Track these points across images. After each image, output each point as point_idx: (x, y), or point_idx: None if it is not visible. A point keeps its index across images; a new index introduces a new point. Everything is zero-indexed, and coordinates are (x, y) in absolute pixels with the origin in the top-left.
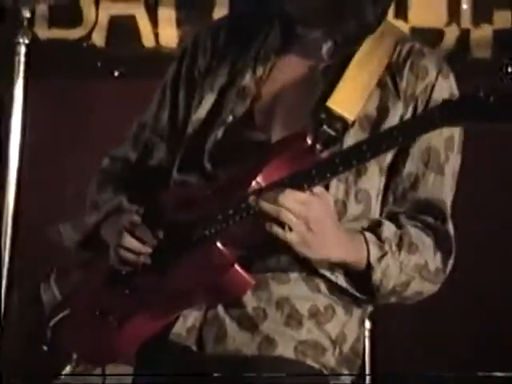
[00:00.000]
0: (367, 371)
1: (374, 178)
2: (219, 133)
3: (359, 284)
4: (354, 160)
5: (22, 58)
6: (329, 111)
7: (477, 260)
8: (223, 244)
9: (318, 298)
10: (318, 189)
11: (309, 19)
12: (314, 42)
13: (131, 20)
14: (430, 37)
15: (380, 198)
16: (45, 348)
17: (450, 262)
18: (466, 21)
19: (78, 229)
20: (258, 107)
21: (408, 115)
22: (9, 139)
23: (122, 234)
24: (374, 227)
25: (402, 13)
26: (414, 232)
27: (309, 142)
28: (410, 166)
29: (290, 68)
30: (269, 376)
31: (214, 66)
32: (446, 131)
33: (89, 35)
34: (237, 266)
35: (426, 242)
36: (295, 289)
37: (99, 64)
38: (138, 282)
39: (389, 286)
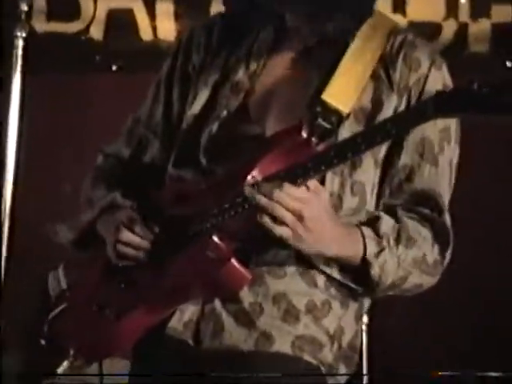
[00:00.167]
0: (364, 367)
1: (369, 171)
2: (214, 128)
3: (356, 277)
4: (349, 152)
5: (20, 52)
6: (324, 104)
7: (475, 253)
8: (219, 238)
9: (315, 293)
10: (314, 184)
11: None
12: (308, 36)
13: (129, 14)
14: (428, 31)
15: (375, 190)
16: (43, 342)
17: (448, 253)
18: (464, 15)
19: (73, 227)
20: (252, 101)
21: (402, 107)
22: (6, 133)
23: (120, 228)
24: (372, 221)
25: (400, 7)
26: (411, 225)
27: (304, 135)
28: (405, 158)
29: (283, 62)
30: (265, 375)
31: (208, 62)
32: (440, 122)
33: (87, 29)
34: (233, 261)
35: (423, 234)
36: (292, 284)
37: (97, 58)
38: (134, 277)
39: (387, 280)
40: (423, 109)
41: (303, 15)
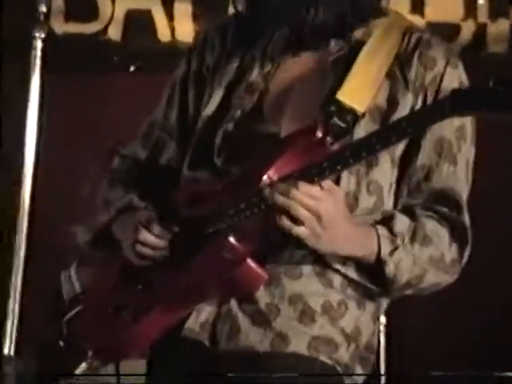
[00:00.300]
0: (382, 368)
1: (385, 170)
2: (228, 128)
3: (372, 276)
4: (364, 152)
5: (39, 53)
6: (339, 103)
7: (494, 253)
8: (236, 238)
9: (331, 293)
10: (328, 183)
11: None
12: (322, 36)
13: (147, 14)
14: (446, 31)
15: (393, 189)
16: (61, 343)
17: (466, 252)
18: (482, 15)
19: (90, 228)
20: (266, 101)
21: (418, 106)
22: (25, 134)
23: (138, 229)
24: (387, 220)
25: (418, 8)
26: (428, 224)
27: (319, 134)
28: (423, 157)
29: (298, 62)
30: (281, 375)
31: (223, 63)
32: (456, 121)
33: (105, 29)
34: (249, 261)
35: (441, 233)
36: (308, 285)
37: (115, 58)
38: (151, 278)
39: (403, 279)
40: (439, 107)
41: (316, 14)
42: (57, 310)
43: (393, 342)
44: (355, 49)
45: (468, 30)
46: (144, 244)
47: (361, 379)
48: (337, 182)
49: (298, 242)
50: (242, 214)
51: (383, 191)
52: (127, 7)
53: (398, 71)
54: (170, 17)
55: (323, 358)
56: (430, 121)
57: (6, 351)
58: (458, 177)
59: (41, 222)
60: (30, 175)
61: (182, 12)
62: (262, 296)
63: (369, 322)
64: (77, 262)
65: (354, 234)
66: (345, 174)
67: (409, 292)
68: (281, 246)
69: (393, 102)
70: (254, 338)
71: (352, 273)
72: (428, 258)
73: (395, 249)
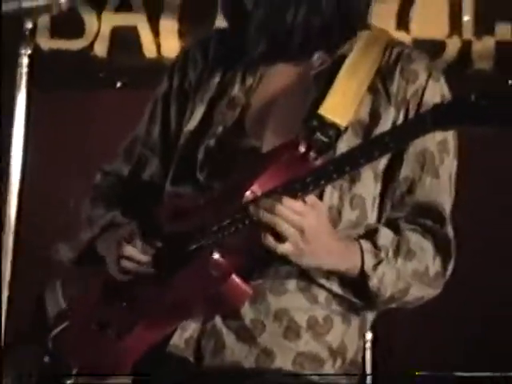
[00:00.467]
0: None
1: (368, 184)
2: (210, 143)
3: (355, 290)
4: (348, 167)
5: (25, 69)
6: (321, 118)
7: (479, 266)
8: (220, 255)
9: (316, 309)
10: (312, 198)
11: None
12: (303, 50)
13: (133, 31)
14: (431, 48)
15: (377, 203)
16: (46, 359)
17: (450, 265)
18: (467, 32)
19: (73, 246)
20: (248, 116)
21: (400, 119)
22: (11, 150)
23: (121, 244)
24: (370, 234)
25: (403, 24)
26: (412, 237)
27: (302, 149)
28: (406, 170)
29: (279, 76)
30: None
31: (205, 79)
32: (439, 134)
33: (91, 46)
34: (234, 277)
35: (424, 246)
36: (293, 300)
37: (101, 75)
38: (135, 295)
39: (386, 292)
40: (421, 122)
41: (297, 29)
42: (41, 327)
43: (378, 356)
44: (337, 62)
45: (453, 46)
46: (128, 258)
47: None
48: (320, 196)
49: (283, 259)
50: (226, 230)
51: (366, 205)
52: (113, 24)
53: (380, 85)
54: (156, 33)
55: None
56: (412, 135)
57: None
58: (440, 189)
59: (27, 239)
60: (15, 192)
61: (167, 28)
62: (247, 312)
63: (355, 337)
64: (62, 278)
65: (337, 248)
66: (328, 189)
67: (393, 305)
68: (265, 262)
69: (375, 116)
70: (239, 353)
71: (336, 287)
72: (412, 272)
73: (379, 263)
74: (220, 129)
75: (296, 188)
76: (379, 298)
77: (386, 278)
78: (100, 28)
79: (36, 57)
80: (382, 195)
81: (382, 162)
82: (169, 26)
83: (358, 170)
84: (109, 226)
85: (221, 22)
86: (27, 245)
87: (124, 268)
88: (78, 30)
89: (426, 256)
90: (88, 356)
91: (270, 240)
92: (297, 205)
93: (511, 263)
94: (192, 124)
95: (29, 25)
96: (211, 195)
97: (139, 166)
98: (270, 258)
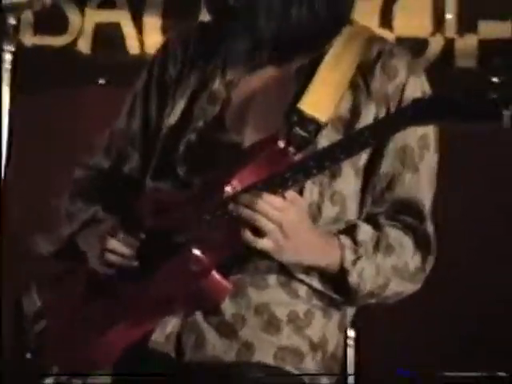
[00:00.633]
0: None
1: (349, 180)
2: (191, 138)
3: (335, 286)
4: (327, 162)
5: (8, 66)
6: (301, 113)
7: (467, 262)
8: (200, 250)
9: (297, 303)
10: (291, 194)
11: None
12: (288, 50)
13: (116, 27)
14: (414, 46)
15: (357, 199)
16: (28, 355)
17: (430, 260)
18: (450, 30)
19: (54, 240)
20: (229, 111)
21: (381, 115)
22: None
23: (105, 237)
24: (350, 230)
25: (386, 22)
26: (392, 233)
27: (281, 144)
28: (386, 166)
29: (260, 71)
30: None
31: (185, 73)
32: (419, 129)
33: (74, 42)
34: (214, 273)
35: (404, 242)
36: (274, 295)
37: (85, 71)
38: (117, 291)
39: (366, 288)
40: (401, 116)
41: (279, 24)
42: (20, 323)
43: (362, 353)
44: (318, 57)
45: (436, 44)
46: (112, 251)
47: None
48: (300, 192)
49: (263, 255)
50: (206, 226)
51: (346, 201)
52: (96, 20)
53: (361, 81)
54: (139, 30)
55: (289, 367)
56: (392, 130)
57: None
58: (420, 185)
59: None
60: None
61: (151, 25)
62: (228, 307)
63: (335, 331)
64: (38, 280)
65: (317, 243)
66: (308, 185)
67: (372, 301)
68: (246, 257)
69: (355, 112)
70: (220, 348)
71: (316, 283)
72: (391, 267)
73: (358, 258)
74: (200, 124)
75: (276, 183)
76: (359, 293)
77: (366, 274)
78: (83, 24)
79: (19, 53)
80: (363, 191)
81: (363, 158)
82: (152, 23)
83: (338, 165)
84: (90, 221)
85: (204, 18)
86: (7, 239)
87: (107, 261)
88: (61, 26)
89: (405, 251)
90: (69, 352)
91: (249, 235)
92: (276, 200)
93: (506, 260)
94: (172, 119)
95: (12, 21)
96: (192, 191)
97: (119, 161)
98: (250, 254)
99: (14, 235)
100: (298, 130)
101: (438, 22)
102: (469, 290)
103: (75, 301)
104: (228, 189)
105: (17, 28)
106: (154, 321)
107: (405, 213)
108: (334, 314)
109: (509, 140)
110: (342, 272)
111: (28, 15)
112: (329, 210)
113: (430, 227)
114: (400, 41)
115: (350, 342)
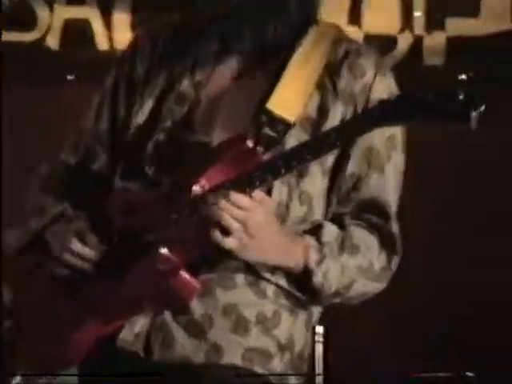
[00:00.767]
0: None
1: (316, 180)
2: (159, 138)
3: (300, 286)
4: (294, 162)
5: None
6: (269, 113)
7: (439, 263)
8: (169, 250)
9: (265, 303)
10: (259, 194)
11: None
12: (253, 45)
13: (85, 23)
14: (383, 43)
15: (324, 199)
16: None
17: (396, 259)
18: (419, 28)
19: (21, 234)
20: (197, 112)
21: (348, 115)
22: None
23: (70, 238)
24: (315, 230)
25: (355, 19)
26: (357, 232)
27: (250, 144)
28: (352, 166)
29: (229, 72)
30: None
31: (154, 73)
32: (387, 130)
33: (43, 38)
34: (182, 272)
35: (369, 241)
36: (241, 295)
37: (53, 67)
38: (86, 289)
39: (331, 288)
40: (367, 118)
41: (247, 24)
42: None
43: (330, 352)
44: (286, 58)
45: (404, 42)
46: (74, 254)
47: None
48: (268, 192)
49: (230, 254)
50: (174, 225)
51: (313, 201)
52: (65, 16)
53: (328, 80)
54: (108, 26)
55: (257, 368)
56: (359, 131)
57: None
58: (386, 186)
59: None
60: None
61: (120, 21)
62: (197, 307)
63: (302, 331)
64: (7, 274)
65: (282, 243)
66: (277, 184)
67: (337, 301)
68: (214, 257)
69: (323, 112)
70: (188, 348)
71: (282, 282)
72: (356, 267)
73: (323, 258)
74: (168, 124)
75: (243, 183)
76: (323, 293)
77: (330, 274)
78: (52, 20)
79: None
80: (329, 190)
81: (330, 158)
82: (121, 19)
83: (306, 165)
84: (60, 217)
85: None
86: None
87: (67, 263)
88: (29, 22)
89: (370, 251)
90: (37, 352)
91: (218, 235)
92: (242, 200)
93: (476, 262)
94: (141, 118)
95: None
96: (160, 190)
97: (88, 158)
98: (219, 253)
99: None
100: (266, 130)
101: (407, 20)
102: (438, 290)
103: (42, 299)
104: (196, 188)
105: None
106: (123, 319)
107: (370, 212)
108: (300, 313)
109: (477, 141)
110: (307, 272)
111: None
112: (297, 210)
113: (395, 227)
114: (368, 38)
115: (319, 341)
